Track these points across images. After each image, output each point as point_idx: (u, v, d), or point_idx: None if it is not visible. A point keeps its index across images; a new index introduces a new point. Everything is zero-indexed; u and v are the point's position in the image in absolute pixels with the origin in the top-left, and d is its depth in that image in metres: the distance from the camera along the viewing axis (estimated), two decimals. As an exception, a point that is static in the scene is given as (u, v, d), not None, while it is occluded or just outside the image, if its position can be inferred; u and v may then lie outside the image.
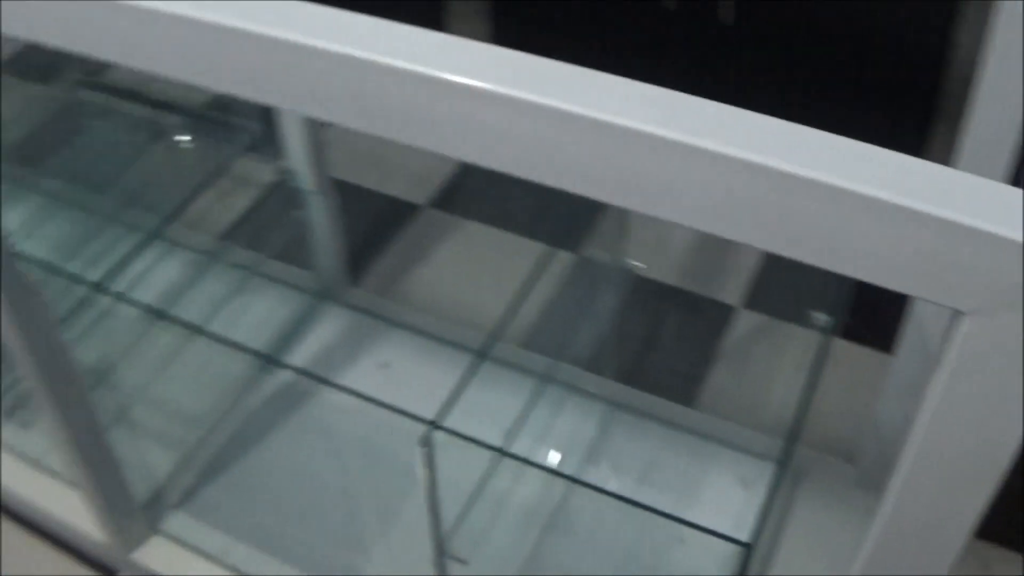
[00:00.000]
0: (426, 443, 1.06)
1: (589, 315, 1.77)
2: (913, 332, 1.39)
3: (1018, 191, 0.57)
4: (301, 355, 1.85)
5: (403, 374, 1.80)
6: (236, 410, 1.77)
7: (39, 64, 2.30)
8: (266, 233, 1.87)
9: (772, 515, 1.52)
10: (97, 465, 1.47)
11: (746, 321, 1.97)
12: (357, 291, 1.98)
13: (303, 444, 1.73)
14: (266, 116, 1.76)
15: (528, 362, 1.70)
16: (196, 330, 1.62)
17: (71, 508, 1.66)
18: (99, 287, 1.48)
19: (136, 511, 1.59)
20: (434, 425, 1.07)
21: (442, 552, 1.21)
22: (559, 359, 1.63)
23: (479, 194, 2.26)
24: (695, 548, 1.55)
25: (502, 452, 1.24)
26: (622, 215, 1.70)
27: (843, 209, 0.58)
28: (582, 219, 2.11)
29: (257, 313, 1.90)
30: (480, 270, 2.08)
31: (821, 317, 1.36)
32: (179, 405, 1.79)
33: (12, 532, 1.72)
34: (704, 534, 1.06)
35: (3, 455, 1.75)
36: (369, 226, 2.18)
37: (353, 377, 1.81)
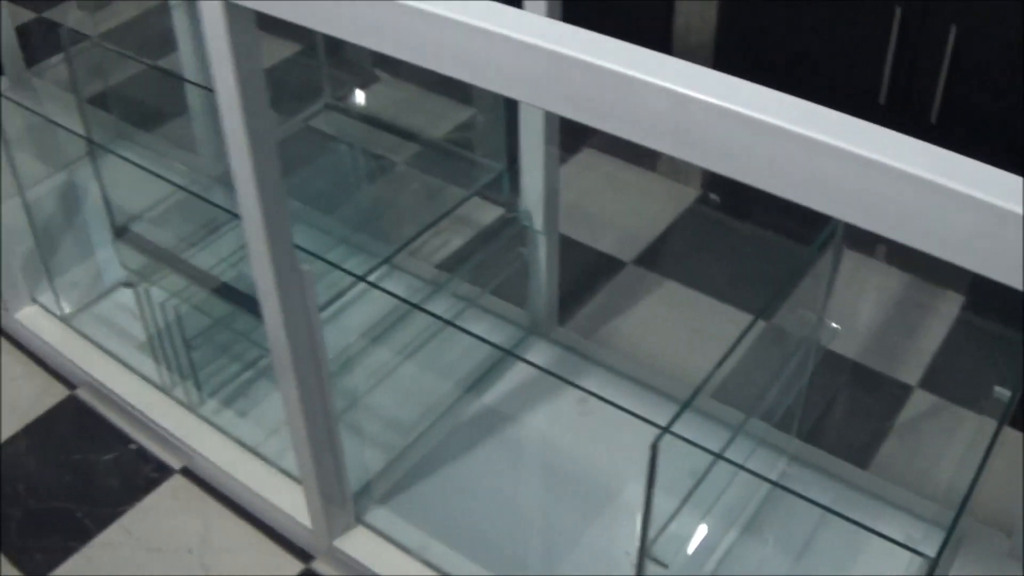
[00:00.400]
0: (655, 448, 1.19)
1: (778, 377, 1.87)
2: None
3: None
4: (509, 381, 1.99)
5: (599, 409, 1.94)
6: (445, 420, 1.92)
7: (292, 84, 2.50)
8: (490, 266, 2.02)
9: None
10: (323, 452, 1.62)
11: (921, 400, 2.07)
12: (563, 330, 2.12)
13: (503, 458, 1.87)
14: (510, 157, 1.92)
15: (720, 413, 1.81)
16: (447, 322, 1.76)
17: (281, 493, 1.82)
18: (362, 279, 1.63)
19: (347, 501, 1.73)
20: (665, 430, 1.20)
21: (644, 555, 1.34)
22: (748, 413, 1.74)
23: (681, 256, 2.40)
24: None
25: (719, 456, 1.37)
26: (816, 287, 1.80)
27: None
28: (775, 288, 2.22)
29: (470, 340, 2.05)
30: (676, 325, 2.21)
31: (1004, 393, 1.45)
32: (395, 411, 1.95)
33: (221, 513, 1.88)
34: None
35: (219, 439, 1.92)
36: (579, 274, 2.32)
37: (554, 407, 1.94)
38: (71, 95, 2.10)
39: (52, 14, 3.34)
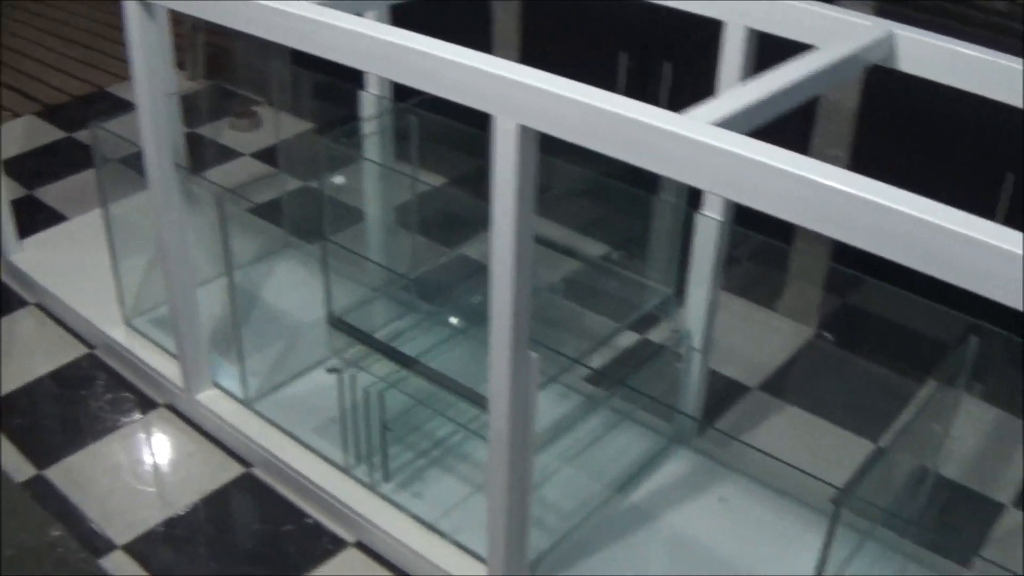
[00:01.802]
0: (835, 515, 1.43)
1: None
2: None
3: None
4: (660, 479, 2.23)
5: (739, 508, 2.18)
6: (602, 512, 2.15)
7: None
8: (647, 380, 2.27)
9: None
10: (515, 524, 1.85)
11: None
12: (701, 440, 2.37)
13: (656, 550, 2.10)
14: (679, 282, 2.19)
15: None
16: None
17: (456, 566, 2.04)
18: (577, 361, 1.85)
19: (524, 571, 1.95)
20: (843, 496, 1.45)
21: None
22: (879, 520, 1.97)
23: (804, 384, 2.65)
24: None
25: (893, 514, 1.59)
26: (927, 418, 2.03)
27: None
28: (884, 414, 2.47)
29: (622, 445, 2.31)
30: (797, 444, 2.45)
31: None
32: (559, 500, 2.18)
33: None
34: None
35: (396, 514, 2.14)
36: (711, 396, 2.58)
37: (696, 505, 2.18)
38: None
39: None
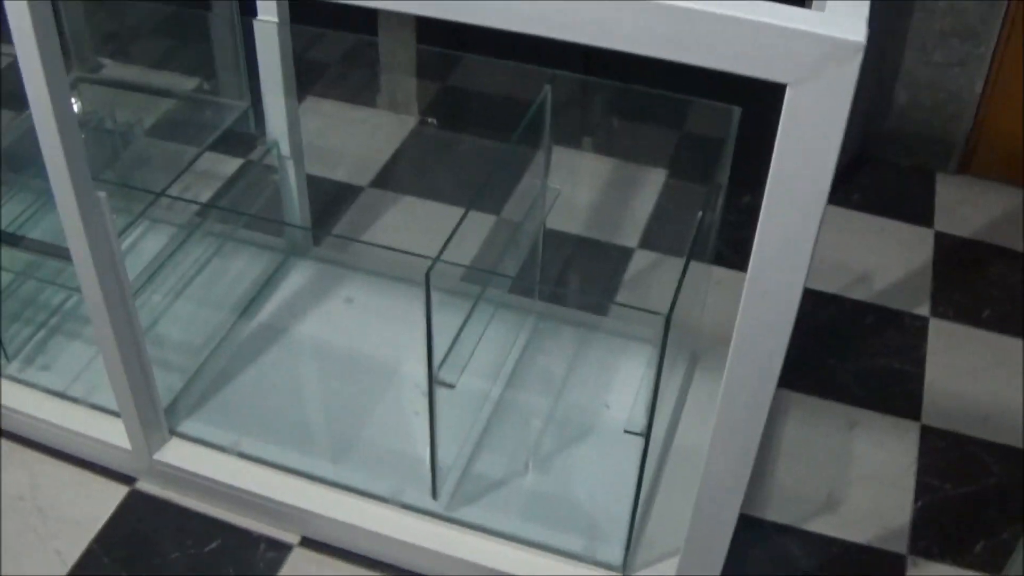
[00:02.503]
0: (427, 277, 1.45)
1: (511, 247, 2.14)
2: None
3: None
4: (280, 299, 2.22)
5: (365, 305, 2.20)
6: (231, 339, 2.13)
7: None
8: (246, 199, 2.23)
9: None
10: (135, 372, 1.80)
11: (643, 257, 2.39)
12: (319, 249, 2.36)
13: (290, 358, 2.10)
14: (253, 96, 2.14)
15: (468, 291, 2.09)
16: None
17: (96, 426, 1.99)
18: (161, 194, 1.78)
19: (159, 417, 1.92)
20: (436, 260, 1.46)
21: (433, 380, 1.60)
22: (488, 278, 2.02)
23: (414, 172, 2.67)
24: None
25: (493, 272, 1.63)
26: (529, 177, 2.08)
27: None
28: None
29: (238, 269, 2.28)
30: (418, 231, 2.48)
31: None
32: (183, 337, 2.15)
33: (42, 460, 2.03)
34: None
35: (28, 393, 2.07)
36: (325, 204, 2.57)
37: (324, 310, 2.19)
38: None
39: None
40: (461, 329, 1.65)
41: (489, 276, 1.92)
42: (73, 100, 2.42)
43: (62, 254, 1.65)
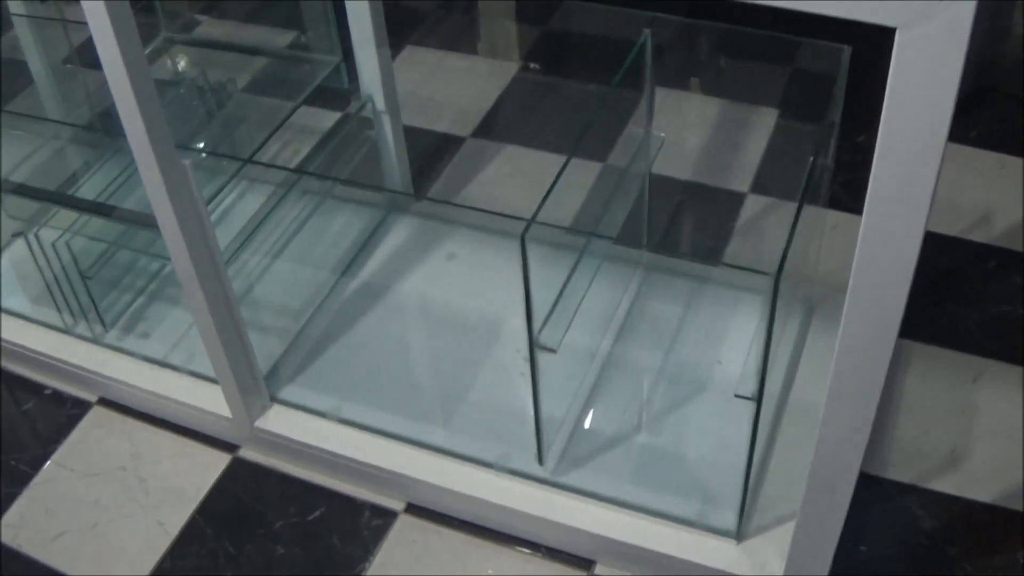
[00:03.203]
0: (523, 240, 1.38)
1: (615, 195, 2.07)
2: None
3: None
4: (381, 257, 2.17)
5: (468, 261, 2.14)
6: (331, 301, 2.09)
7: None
8: (343, 157, 2.17)
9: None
10: (231, 340, 1.77)
11: (755, 202, 2.29)
12: (420, 205, 2.30)
13: (391, 319, 2.05)
14: (344, 52, 2.08)
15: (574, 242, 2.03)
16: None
17: (197, 393, 1.97)
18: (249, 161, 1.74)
19: (259, 385, 1.89)
20: (531, 221, 1.39)
21: (534, 344, 1.53)
22: (593, 230, 1.94)
23: (518, 120, 2.60)
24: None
25: (592, 234, 1.57)
26: (633, 125, 2.00)
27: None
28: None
29: (338, 228, 2.23)
30: (521, 181, 2.41)
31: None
32: (283, 300, 2.11)
33: (144, 429, 2.02)
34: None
35: (128, 362, 2.06)
36: (426, 156, 2.51)
37: (425, 268, 2.13)
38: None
39: None
40: (563, 289, 1.58)
41: (594, 228, 1.84)
42: (167, 61, 2.41)
43: (152, 222, 1.61)
